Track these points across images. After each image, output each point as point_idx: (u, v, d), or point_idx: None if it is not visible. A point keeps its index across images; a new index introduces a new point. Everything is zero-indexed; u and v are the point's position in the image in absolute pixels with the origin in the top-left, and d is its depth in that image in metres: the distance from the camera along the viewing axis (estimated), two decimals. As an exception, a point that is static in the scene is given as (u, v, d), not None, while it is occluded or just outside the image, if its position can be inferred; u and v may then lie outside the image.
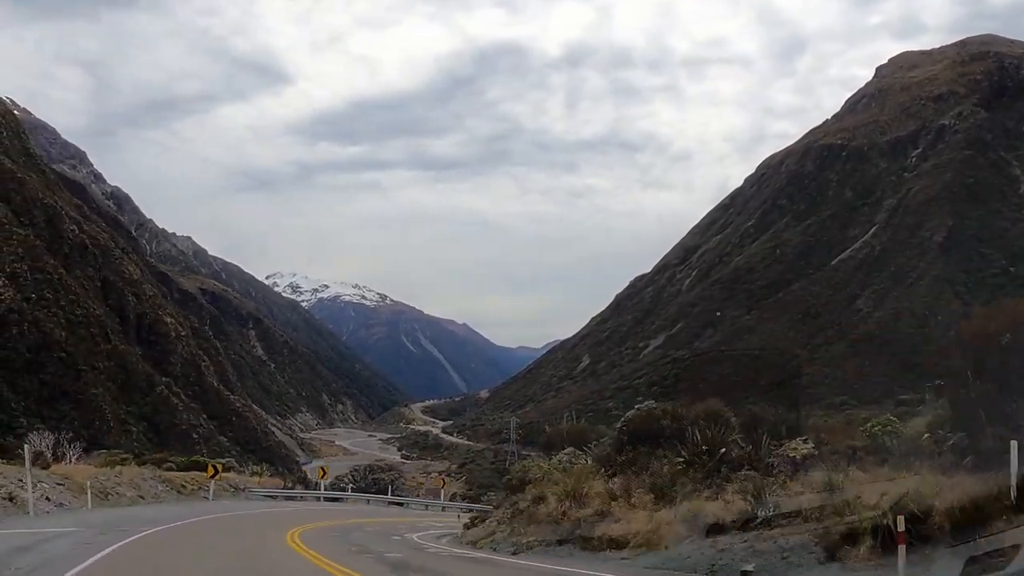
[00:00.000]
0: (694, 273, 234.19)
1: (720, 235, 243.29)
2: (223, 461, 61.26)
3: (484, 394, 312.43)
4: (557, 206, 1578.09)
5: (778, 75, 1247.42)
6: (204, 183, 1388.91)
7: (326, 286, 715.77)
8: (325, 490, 62.62)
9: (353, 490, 67.53)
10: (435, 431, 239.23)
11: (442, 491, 74.60)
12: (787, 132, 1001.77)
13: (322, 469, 64.39)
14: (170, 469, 52.12)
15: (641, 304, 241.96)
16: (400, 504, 65.04)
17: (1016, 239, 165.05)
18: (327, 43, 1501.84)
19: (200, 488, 47.12)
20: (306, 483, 65.03)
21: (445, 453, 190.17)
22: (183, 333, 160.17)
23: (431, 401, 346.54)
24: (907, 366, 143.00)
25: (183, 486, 45.92)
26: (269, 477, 64.84)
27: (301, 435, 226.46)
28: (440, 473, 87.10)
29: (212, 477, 46.45)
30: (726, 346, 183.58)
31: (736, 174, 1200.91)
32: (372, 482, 70.39)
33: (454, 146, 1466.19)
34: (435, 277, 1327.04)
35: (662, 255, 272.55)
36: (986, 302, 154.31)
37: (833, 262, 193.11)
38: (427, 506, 67.86)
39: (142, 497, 39.78)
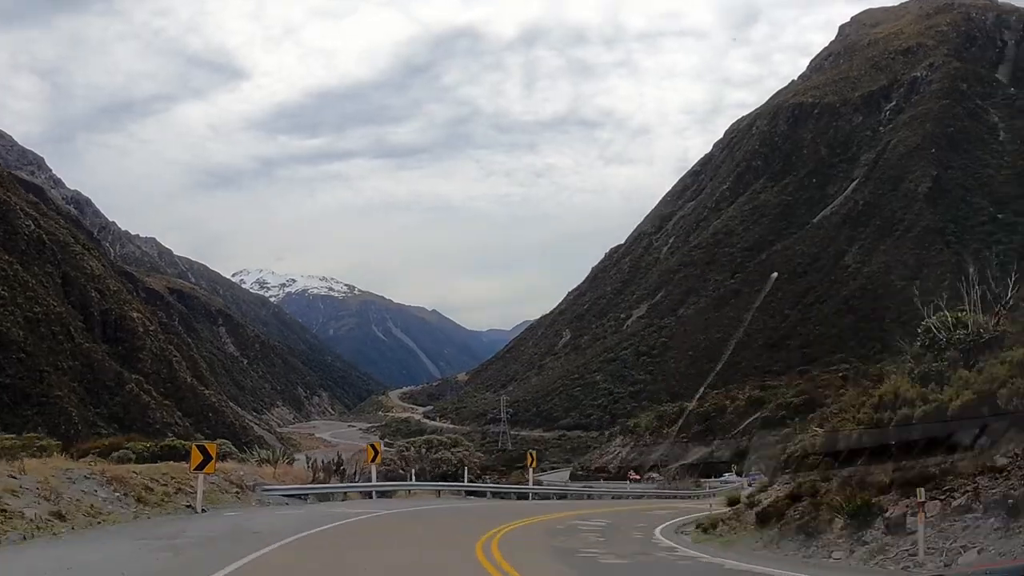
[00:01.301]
0: (672, 240, 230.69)
1: (695, 200, 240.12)
2: (217, 443, 38.55)
3: (462, 377, 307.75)
4: (520, 187, 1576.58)
5: (734, 44, 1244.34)
6: (166, 184, 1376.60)
7: (293, 280, 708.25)
8: (377, 481, 40.74)
9: (417, 477, 45.11)
10: (417, 416, 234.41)
11: (530, 470, 54.23)
12: (745, 101, 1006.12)
13: (372, 448, 41.98)
14: (126, 461, 33.51)
15: (619, 275, 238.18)
16: (480, 494, 46.51)
17: (1001, 185, 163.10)
18: (282, 36, 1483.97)
19: (179, 491, 27.16)
20: (340, 471, 41.35)
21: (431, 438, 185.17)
22: (151, 328, 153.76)
23: (408, 388, 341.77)
24: (904, 319, 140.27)
25: (148, 489, 25.74)
26: (287, 465, 42.01)
27: (279, 430, 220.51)
28: (530, 452, 58.49)
29: (199, 469, 26.36)
30: (713, 309, 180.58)
31: (696, 145, 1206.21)
32: (433, 464, 47.90)
33: (415, 132, 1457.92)
34: (402, 265, 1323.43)
35: (632, 226, 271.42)
36: (976, 250, 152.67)
37: (815, 219, 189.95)
38: (515, 495, 49.40)
39: (61, 518, 20.08)
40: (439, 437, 59.17)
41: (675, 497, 57.42)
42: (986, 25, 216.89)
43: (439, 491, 44.16)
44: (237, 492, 31.45)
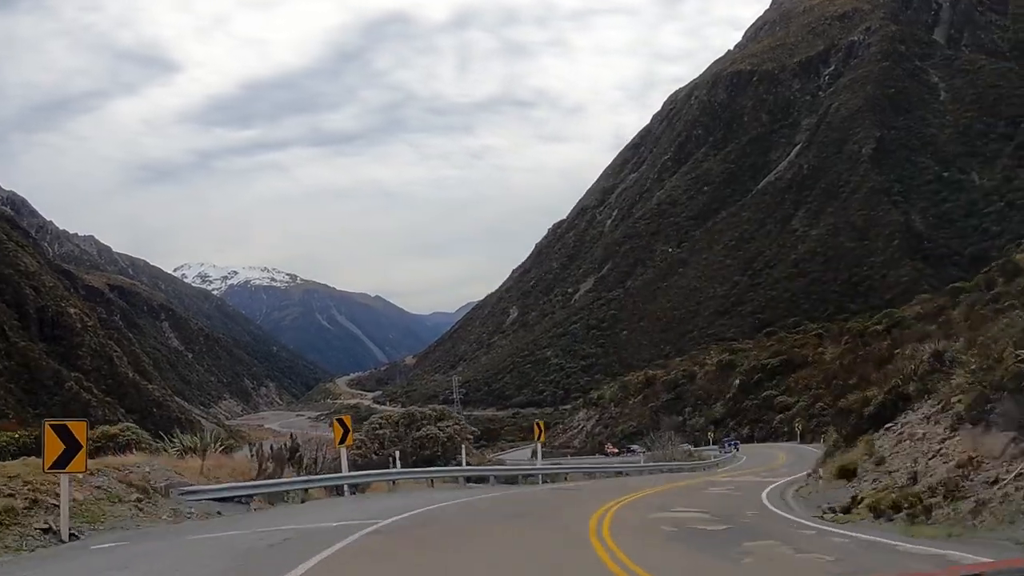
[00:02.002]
0: (615, 213, 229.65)
1: (636, 172, 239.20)
2: (120, 427, 31.02)
3: (410, 360, 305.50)
4: (458, 169, 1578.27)
5: (665, 20, 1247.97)
6: (103, 181, 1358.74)
7: (235, 272, 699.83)
8: (349, 471, 29.34)
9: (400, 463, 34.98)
10: (366, 402, 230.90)
11: (539, 445, 44.79)
12: (678, 76, 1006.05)
13: (340, 425, 29.50)
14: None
15: (564, 250, 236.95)
16: (481, 480, 37.43)
17: (945, 144, 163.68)
18: (212, 27, 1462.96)
19: (37, 504, 15.84)
20: (296, 460, 29.37)
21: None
22: (90, 323, 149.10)
23: (355, 374, 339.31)
24: (856, 279, 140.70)
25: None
26: (223, 454, 28.36)
27: (228, 422, 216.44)
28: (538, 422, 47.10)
29: (59, 468, 15.26)
30: (661, 280, 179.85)
31: (630, 121, 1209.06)
32: (416, 444, 39.09)
33: (350, 119, 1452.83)
34: (344, 252, 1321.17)
35: (573, 202, 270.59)
36: (924, 209, 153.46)
37: (759, 185, 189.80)
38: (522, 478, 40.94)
39: None
40: (422, 410, 46.95)
41: (681, 471, 52.07)
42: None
43: (431, 479, 34.82)
44: (139, 499, 19.42)
